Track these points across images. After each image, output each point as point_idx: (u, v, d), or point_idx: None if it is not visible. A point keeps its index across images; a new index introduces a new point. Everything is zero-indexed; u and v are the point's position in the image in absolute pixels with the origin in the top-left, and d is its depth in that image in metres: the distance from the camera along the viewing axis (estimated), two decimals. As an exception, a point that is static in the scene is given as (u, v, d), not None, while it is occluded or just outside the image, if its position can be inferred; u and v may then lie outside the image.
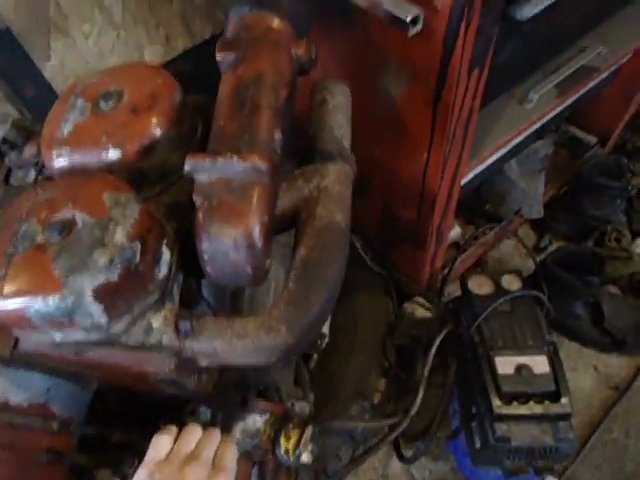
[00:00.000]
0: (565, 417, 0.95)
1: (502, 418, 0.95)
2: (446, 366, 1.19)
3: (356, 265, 1.22)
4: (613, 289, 1.42)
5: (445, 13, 0.64)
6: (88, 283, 0.42)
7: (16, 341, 0.50)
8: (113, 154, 0.50)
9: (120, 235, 0.44)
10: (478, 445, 1.00)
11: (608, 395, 1.33)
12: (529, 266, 1.52)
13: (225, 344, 0.49)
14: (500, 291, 1.13)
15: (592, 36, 1.07)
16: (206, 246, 0.47)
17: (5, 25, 0.89)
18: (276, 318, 0.49)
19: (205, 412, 0.70)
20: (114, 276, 0.43)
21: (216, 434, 0.59)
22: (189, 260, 0.54)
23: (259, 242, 0.47)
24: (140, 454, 0.67)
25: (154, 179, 0.54)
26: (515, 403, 0.96)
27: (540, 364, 0.99)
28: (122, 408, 0.74)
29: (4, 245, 0.45)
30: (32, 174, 0.63)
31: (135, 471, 0.65)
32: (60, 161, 0.51)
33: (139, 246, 0.45)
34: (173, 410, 0.72)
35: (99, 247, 0.43)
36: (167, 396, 0.70)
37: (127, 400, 0.73)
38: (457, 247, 1.40)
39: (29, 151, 0.60)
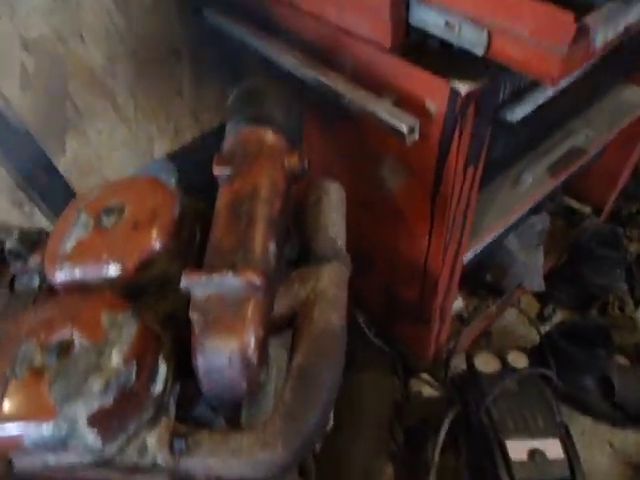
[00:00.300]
0: (582, 509, 0.90)
1: (517, 509, 0.91)
2: (456, 447, 1.15)
3: (359, 341, 1.21)
4: (621, 359, 1.39)
5: (439, 121, 0.68)
6: (82, 410, 0.42)
7: (10, 462, 0.50)
8: (113, 270, 0.52)
9: (116, 358, 0.45)
10: (494, 541, 0.95)
11: (626, 474, 1.27)
12: (534, 336, 1.50)
13: (220, 461, 0.48)
14: (507, 369, 1.11)
15: (579, 120, 1.12)
16: (201, 362, 0.48)
17: (25, 129, 0.94)
18: (272, 433, 0.48)
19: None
20: (109, 400, 0.43)
21: None
22: (188, 363, 0.54)
23: (254, 357, 0.48)
24: None
25: (151, 291, 0.56)
26: (529, 494, 0.92)
27: (553, 448, 0.96)
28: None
29: (2, 367, 0.46)
30: (36, 280, 0.65)
31: None
32: (61, 276, 0.53)
33: (135, 367, 0.46)
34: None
35: (95, 372, 0.43)
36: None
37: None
38: (461, 319, 1.40)
39: (34, 261, 0.62)
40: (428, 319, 1.11)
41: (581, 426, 1.32)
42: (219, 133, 1.25)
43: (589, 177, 1.40)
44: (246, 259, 0.50)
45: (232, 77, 1.20)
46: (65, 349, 0.45)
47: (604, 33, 0.60)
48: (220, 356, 0.47)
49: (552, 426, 0.99)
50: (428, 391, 1.25)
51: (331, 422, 1.07)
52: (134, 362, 0.45)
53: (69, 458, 0.46)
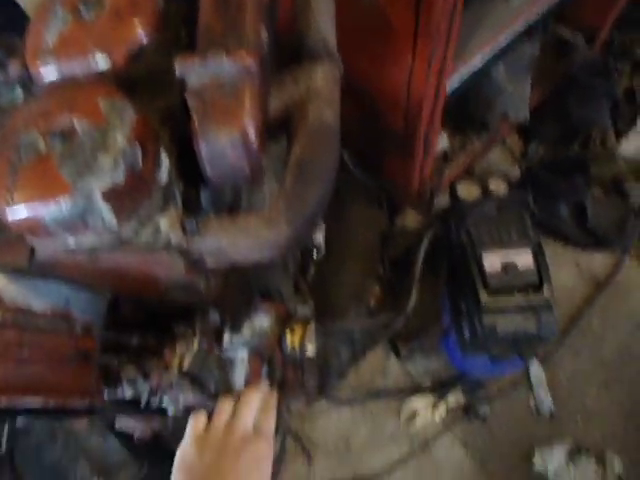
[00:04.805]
0: (547, 306, 1.02)
1: (489, 310, 1.02)
2: (436, 270, 1.26)
3: (346, 177, 1.24)
4: (597, 191, 1.46)
5: None
6: (96, 185, 0.44)
7: (32, 250, 0.53)
8: (101, 61, 0.50)
9: (120, 139, 0.46)
10: (467, 337, 1.08)
11: (589, 290, 1.41)
12: (516, 174, 1.56)
13: (229, 240, 0.52)
14: (488, 195, 1.17)
15: None
16: (204, 149, 0.49)
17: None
18: (276, 214, 0.52)
19: (214, 315, 0.75)
20: (120, 178, 0.45)
21: (255, 400, 0.59)
22: (187, 168, 0.56)
23: (254, 139, 0.49)
24: (158, 355, 0.73)
25: (144, 88, 0.55)
26: (501, 296, 1.03)
27: (525, 259, 1.05)
28: (136, 318, 0.79)
29: (8, 156, 0.47)
30: (19, 91, 0.63)
31: (156, 369, 0.72)
32: (48, 71, 0.52)
33: (140, 150, 0.47)
34: (184, 316, 0.77)
35: (102, 151, 0.45)
36: (177, 303, 0.75)
37: (140, 311, 0.78)
38: (445, 157, 1.42)
39: (13, 68, 0.59)
40: (412, 150, 1.13)
41: (552, 250, 1.44)
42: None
43: (583, 1, 1.32)
44: (239, 41, 0.49)
45: None
46: (68, 135, 0.46)
47: None
48: (221, 140, 0.49)
49: (525, 240, 1.08)
50: (412, 223, 1.32)
51: (323, 250, 1.15)
52: (137, 144, 0.47)
53: (88, 240, 0.50)
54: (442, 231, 1.19)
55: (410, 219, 1.32)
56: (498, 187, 1.18)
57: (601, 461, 1.22)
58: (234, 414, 0.57)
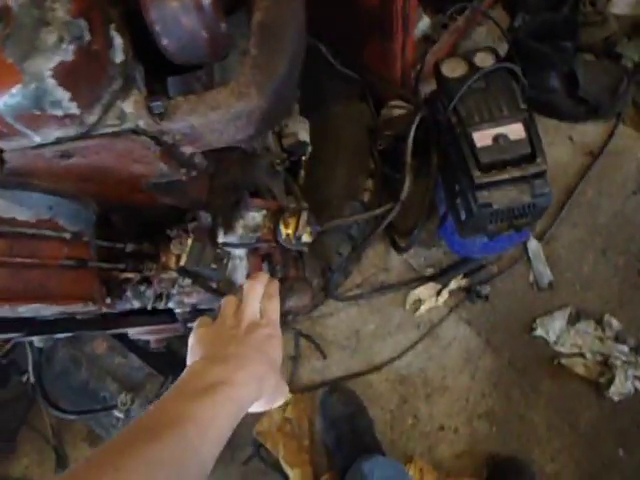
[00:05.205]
0: (540, 174, 1.00)
1: (483, 187, 1.01)
2: (429, 162, 1.23)
3: (327, 73, 1.18)
4: (588, 56, 1.40)
5: None
6: (44, 64, 0.42)
7: (2, 160, 0.52)
8: None
9: (62, 12, 0.42)
10: (463, 217, 1.08)
11: (583, 161, 1.40)
12: (503, 50, 1.48)
13: (201, 118, 0.50)
14: (474, 70, 1.11)
15: None
16: (154, 15, 0.46)
17: None
18: (244, 84, 0.50)
19: (205, 216, 0.75)
20: (68, 55, 0.42)
21: (258, 288, 0.58)
22: (148, 58, 0.53)
23: (208, 1, 0.46)
24: (155, 259, 0.74)
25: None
26: (494, 171, 1.01)
27: (516, 131, 1.02)
28: (129, 230, 0.79)
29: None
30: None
31: (155, 272, 0.73)
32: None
33: (85, 23, 0.43)
34: (175, 221, 0.77)
35: (44, 27, 0.42)
36: (166, 210, 0.74)
37: (132, 220, 0.77)
38: (428, 41, 1.35)
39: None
40: (391, 31, 1.06)
41: (544, 127, 1.40)
42: None
43: None
44: None
45: None
46: (4, 14, 0.42)
47: None
48: (172, 3, 0.45)
49: (516, 112, 1.04)
50: (398, 113, 1.28)
51: (309, 147, 1.12)
52: (82, 18, 0.43)
53: (52, 132, 0.48)
54: (430, 115, 1.15)
55: (396, 109, 1.27)
56: (485, 61, 1.12)
57: (599, 323, 1.28)
58: (239, 304, 0.58)
